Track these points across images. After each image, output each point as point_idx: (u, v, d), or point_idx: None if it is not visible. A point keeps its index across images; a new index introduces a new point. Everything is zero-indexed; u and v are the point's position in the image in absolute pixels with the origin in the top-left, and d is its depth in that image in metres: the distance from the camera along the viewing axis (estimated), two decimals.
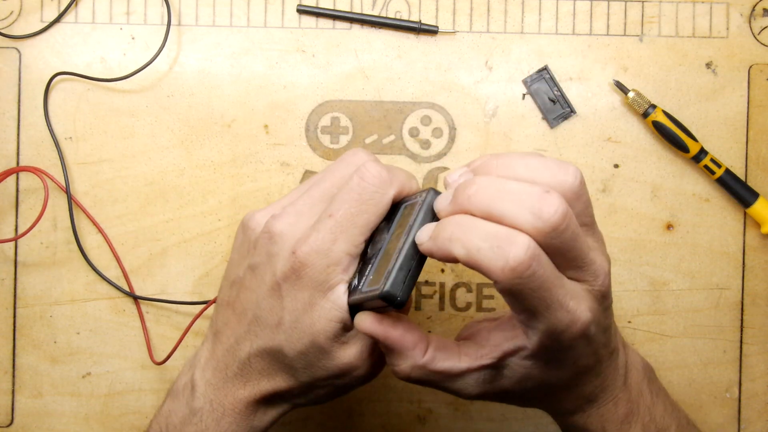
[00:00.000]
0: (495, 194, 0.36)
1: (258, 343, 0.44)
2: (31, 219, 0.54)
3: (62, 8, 0.56)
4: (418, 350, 0.40)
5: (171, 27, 0.56)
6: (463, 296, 0.57)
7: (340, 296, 0.42)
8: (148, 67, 0.55)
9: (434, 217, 0.40)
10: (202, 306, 0.54)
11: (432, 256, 0.38)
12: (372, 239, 0.43)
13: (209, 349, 0.47)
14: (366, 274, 0.41)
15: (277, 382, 0.45)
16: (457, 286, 0.57)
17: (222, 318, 0.47)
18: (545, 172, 0.37)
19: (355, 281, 0.42)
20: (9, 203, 0.56)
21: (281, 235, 0.43)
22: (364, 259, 0.43)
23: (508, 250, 0.35)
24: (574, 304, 0.37)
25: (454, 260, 0.37)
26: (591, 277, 0.39)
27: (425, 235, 0.38)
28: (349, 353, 0.43)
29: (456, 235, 0.36)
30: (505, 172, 0.38)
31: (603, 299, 0.40)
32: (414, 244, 0.39)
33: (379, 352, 0.43)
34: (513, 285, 0.35)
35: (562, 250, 0.36)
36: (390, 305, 0.39)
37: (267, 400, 0.46)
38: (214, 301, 0.50)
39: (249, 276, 0.44)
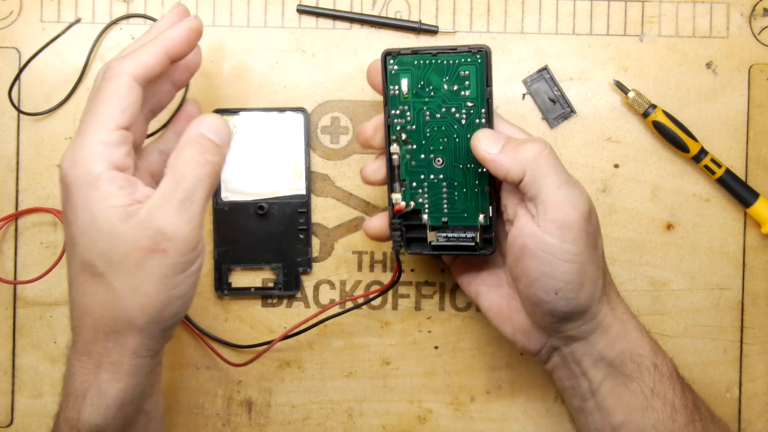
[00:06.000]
0: None
1: (70, 273, 0.43)
2: (31, 226, 0.54)
3: (62, 8, 0.56)
4: None
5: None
6: (463, 296, 0.57)
7: (109, 181, 0.41)
8: None
9: None
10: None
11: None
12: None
13: None
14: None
15: (102, 308, 0.42)
16: (457, 286, 0.56)
17: None
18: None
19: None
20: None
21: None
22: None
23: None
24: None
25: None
26: None
27: None
28: (144, 221, 0.40)
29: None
30: None
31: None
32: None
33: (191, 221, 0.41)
34: None
35: None
36: None
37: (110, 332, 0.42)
38: None
39: None
